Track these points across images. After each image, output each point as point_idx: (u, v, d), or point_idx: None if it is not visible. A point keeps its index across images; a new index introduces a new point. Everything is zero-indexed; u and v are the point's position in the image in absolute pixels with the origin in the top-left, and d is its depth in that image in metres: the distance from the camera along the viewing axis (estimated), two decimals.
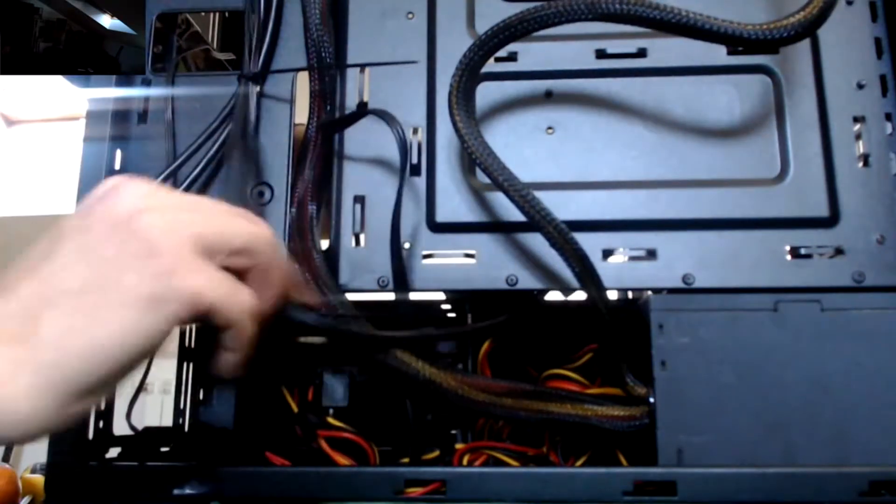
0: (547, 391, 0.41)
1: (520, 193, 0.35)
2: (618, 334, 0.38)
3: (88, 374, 0.26)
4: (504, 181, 0.35)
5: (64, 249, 0.28)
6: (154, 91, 0.45)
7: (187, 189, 0.42)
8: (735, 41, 0.35)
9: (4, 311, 0.26)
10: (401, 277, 0.39)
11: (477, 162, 0.36)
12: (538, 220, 0.35)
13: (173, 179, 0.42)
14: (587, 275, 0.36)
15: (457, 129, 0.37)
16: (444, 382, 0.38)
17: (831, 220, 0.39)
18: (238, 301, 0.29)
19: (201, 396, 0.47)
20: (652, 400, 0.37)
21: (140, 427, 0.45)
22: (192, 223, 0.29)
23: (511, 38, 0.36)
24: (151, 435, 0.46)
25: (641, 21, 0.35)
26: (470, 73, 0.37)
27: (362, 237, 0.41)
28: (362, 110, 0.42)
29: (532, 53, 0.42)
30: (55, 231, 0.29)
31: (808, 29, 0.35)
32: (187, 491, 0.35)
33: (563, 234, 0.35)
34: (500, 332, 0.43)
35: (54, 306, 0.26)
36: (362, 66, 0.43)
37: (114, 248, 0.27)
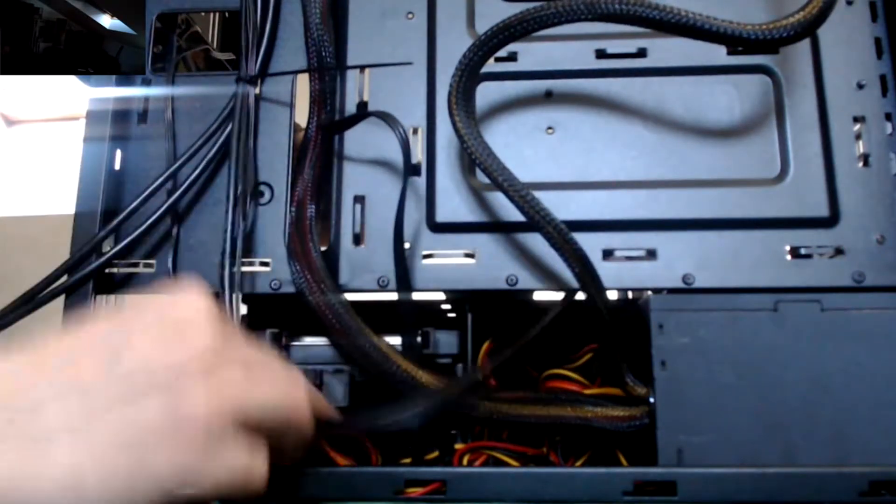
0: (546, 396, 0.41)
1: (519, 194, 0.35)
2: (618, 334, 0.38)
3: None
4: (504, 181, 0.35)
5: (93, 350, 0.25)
6: (154, 91, 0.45)
7: (187, 189, 0.42)
8: (735, 41, 0.35)
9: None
10: (404, 278, 0.39)
11: (476, 162, 0.36)
12: (538, 220, 0.35)
13: (174, 180, 0.42)
14: (587, 275, 0.36)
15: (456, 130, 0.37)
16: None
17: (831, 220, 0.39)
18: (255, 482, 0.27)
19: None
20: (652, 400, 0.37)
21: None
22: (238, 396, 0.27)
23: (511, 39, 0.36)
24: None
25: (641, 21, 0.35)
26: (469, 74, 0.37)
27: (362, 237, 0.41)
28: (364, 112, 0.42)
29: (532, 53, 0.42)
30: (106, 315, 0.26)
31: (808, 29, 0.35)
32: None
33: (562, 235, 0.35)
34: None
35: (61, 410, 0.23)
36: (356, 68, 0.43)
37: (152, 398, 0.24)
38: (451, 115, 0.37)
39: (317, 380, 0.41)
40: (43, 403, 0.23)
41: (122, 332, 0.26)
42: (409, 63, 0.43)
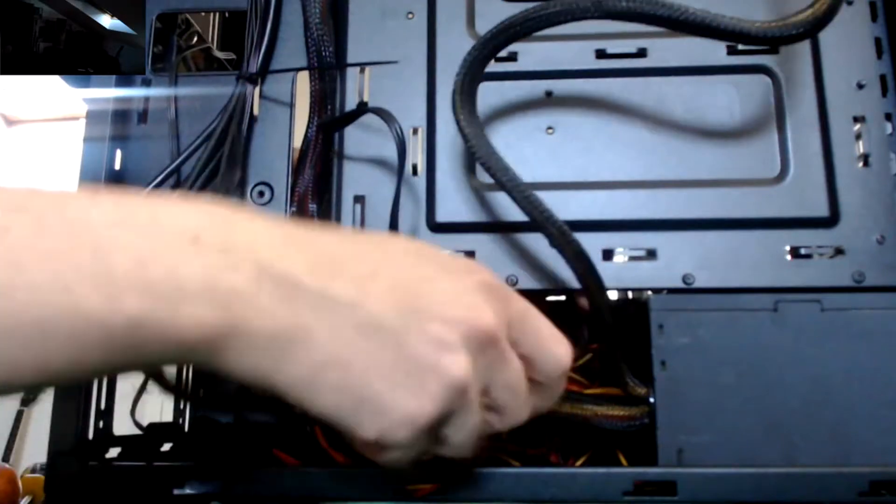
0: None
1: (522, 194, 0.35)
2: (618, 334, 0.38)
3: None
4: (507, 181, 0.35)
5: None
6: (154, 91, 0.45)
7: (191, 185, 0.42)
8: (742, 39, 0.35)
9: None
10: None
11: (480, 162, 0.36)
12: (540, 220, 0.35)
13: (176, 178, 0.42)
14: (588, 275, 0.36)
15: (460, 128, 0.37)
16: None
17: (831, 220, 0.39)
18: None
19: (201, 394, 0.47)
20: (652, 400, 0.37)
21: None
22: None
23: (515, 38, 0.36)
24: (155, 431, 0.46)
25: (647, 18, 0.35)
26: (474, 71, 0.37)
27: None
28: (362, 109, 0.42)
29: (532, 53, 0.42)
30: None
31: (816, 27, 0.35)
32: (188, 491, 0.35)
33: (565, 235, 0.35)
34: None
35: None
36: (351, 66, 0.43)
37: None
38: (455, 113, 0.37)
39: None
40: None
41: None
42: (395, 62, 0.43)
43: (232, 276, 0.23)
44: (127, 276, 0.22)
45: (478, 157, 0.36)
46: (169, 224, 0.24)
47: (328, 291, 0.24)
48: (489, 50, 0.37)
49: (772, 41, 0.35)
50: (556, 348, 0.30)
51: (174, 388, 0.43)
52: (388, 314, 0.25)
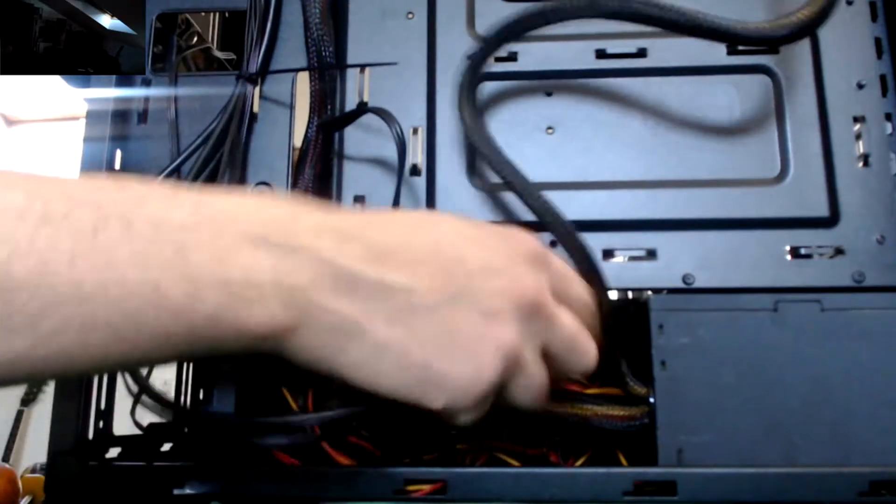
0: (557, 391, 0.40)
1: (528, 192, 0.35)
2: (618, 334, 0.38)
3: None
4: (512, 180, 0.36)
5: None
6: (154, 91, 0.45)
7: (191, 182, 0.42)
8: (735, 40, 0.35)
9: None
10: None
11: (489, 164, 0.36)
12: (549, 219, 0.35)
13: (176, 177, 0.42)
14: (592, 275, 0.36)
15: (465, 126, 0.37)
16: None
17: (831, 220, 0.39)
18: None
19: (201, 396, 0.47)
20: (652, 400, 0.37)
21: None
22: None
23: (514, 36, 0.36)
24: (155, 431, 0.46)
25: (641, 18, 0.35)
26: (477, 70, 0.37)
27: None
28: (362, 109, 0.42)
29: (532, 53, 0.42)
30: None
31: (809, 28, 0.35)
32: (187, 491, 0.35)
33: (570, 234, 0.36)
34: None
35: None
36: (351, 67, 0.43)
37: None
38: (460, 110, 0.37)
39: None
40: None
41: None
42: (394, 63, 0.43)
43: (298, 274, 0.26)
44: (207, 275, 0.25)
45: (486, 158, 0.36)
46: (243, 224, 0.26)
47: (384, 280, 0.27)
48: (492, 48, 0.37)
49: (765, 42, 0.35)
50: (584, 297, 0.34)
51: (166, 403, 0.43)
52: (439, 295, 0.27)
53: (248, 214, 0.27)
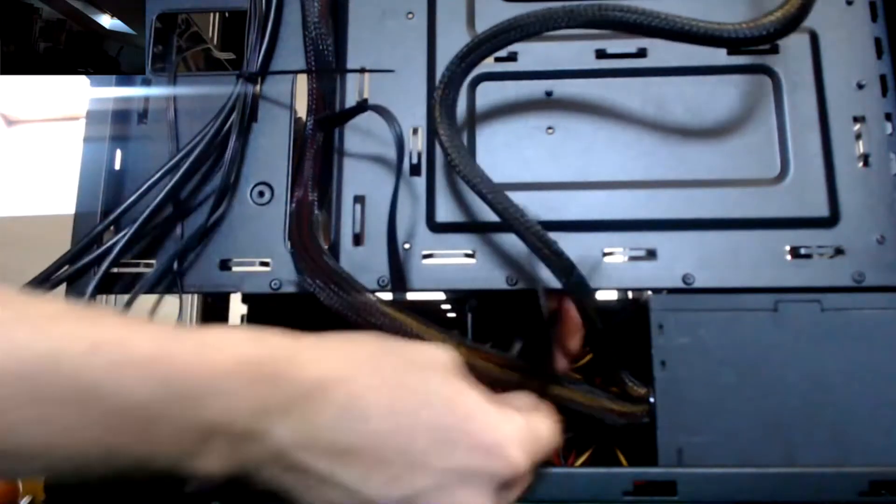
0: (556, 376, 0.40)
1: (497, 199, 0.35)
2: (611, 337, 0.38)
3: None
4: (487, 193, 0.35)
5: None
6: (154, 91, 0.45)
7: (188, 178, 0.42)
8: (714, 42, 0.35)
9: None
10: (399, 277, 0.39)
11: (462, 177, 0.36)
12: (518, 227, 0.35)
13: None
14: (572, 280, 0.35)
15: (441, 142, 0.36)
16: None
17: (831, 220, 0.39)
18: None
19: None
20: (652, 400, 0.37)
21: None
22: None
23: (494, 50, 0.37)
24: None
25: (617, 25, 0.35)
26: (455, 84, 0.37)
27: (362, 237, 0.41)
28: (362, 105, 0.42)
29: (532, 53, 0.42)
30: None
31: (788, 26, 0.34)
32: (188, 490, 0.35)
33: (547, 244, 0.35)
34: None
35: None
36: (350, 72, 0.43)
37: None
38: (434, 127, 0.37)
39: None
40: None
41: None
42: (391, 70, 0.43)
43: (251, 455, 0.29)
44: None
45: (459, 172, 0.36)
46: (210, 411, 0.28)
47: (334, 477, 0.28)
48: (468, 64, 0.37)
49: (743, 42, 0.34)
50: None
51: None
52: (386, 500, 0.28)
53: (216, 396, 0.27)
